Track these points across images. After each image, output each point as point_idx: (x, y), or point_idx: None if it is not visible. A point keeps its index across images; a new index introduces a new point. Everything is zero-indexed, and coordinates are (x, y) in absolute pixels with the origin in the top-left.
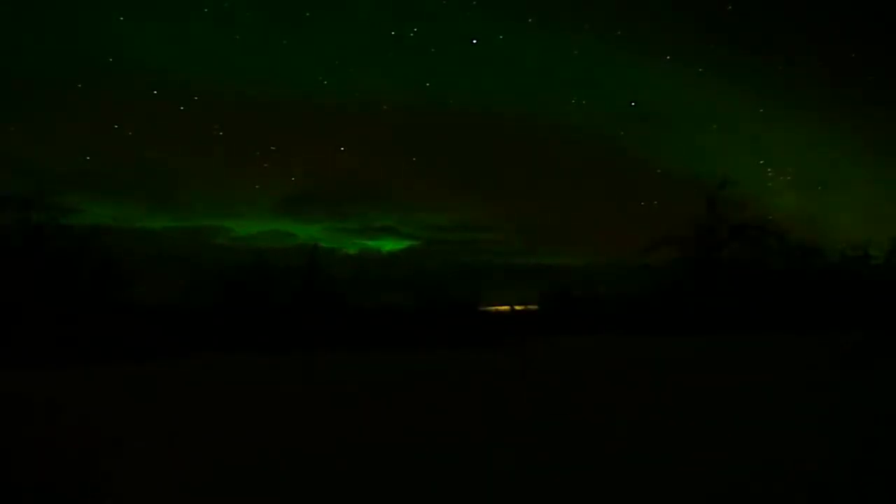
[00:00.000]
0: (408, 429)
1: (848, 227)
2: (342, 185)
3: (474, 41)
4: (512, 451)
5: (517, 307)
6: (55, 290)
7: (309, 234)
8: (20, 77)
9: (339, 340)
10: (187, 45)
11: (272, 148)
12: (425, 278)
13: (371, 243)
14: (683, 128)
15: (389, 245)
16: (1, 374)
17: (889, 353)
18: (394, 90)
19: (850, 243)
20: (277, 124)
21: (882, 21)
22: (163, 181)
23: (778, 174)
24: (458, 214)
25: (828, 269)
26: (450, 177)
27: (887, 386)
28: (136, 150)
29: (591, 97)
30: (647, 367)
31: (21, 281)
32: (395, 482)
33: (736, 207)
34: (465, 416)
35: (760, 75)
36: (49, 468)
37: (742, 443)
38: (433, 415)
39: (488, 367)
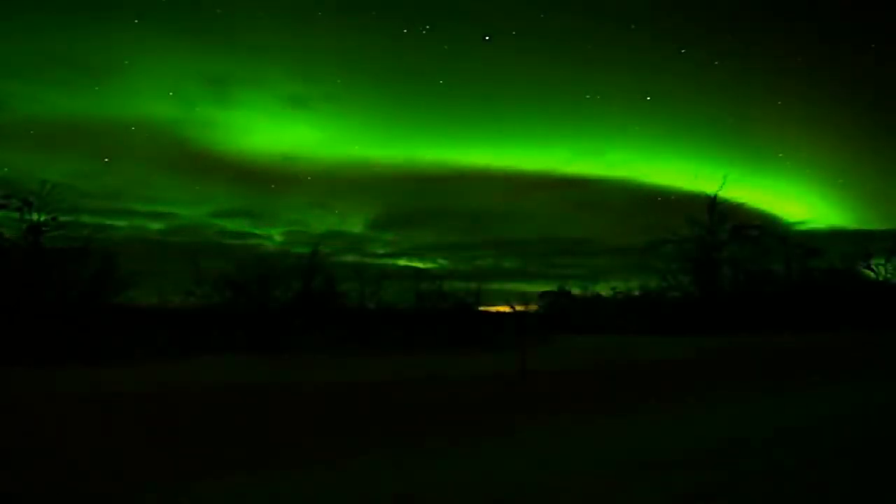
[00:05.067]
0: (406, 429)
1: (858, 225)
2: None
3: (486, 38)
4: (511, 451)
5: (517, 307)
6: (49, 289)
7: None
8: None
9: (336, 341)
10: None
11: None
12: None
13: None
14: (696, 121)
15: None
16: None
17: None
18: (404, 89)
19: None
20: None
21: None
22: None
23: (795, 168)
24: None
25: (831, 269)
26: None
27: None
28: None
29: (604, 92)
30: (647, 366)
31: (19, 280)
32: (395, 482)
33: (737, 207)
34: (464, 416)
35: (778, 68)
36: (40, 468)
37: (738, 442)
38: (432, 415)
39: (488, 368)
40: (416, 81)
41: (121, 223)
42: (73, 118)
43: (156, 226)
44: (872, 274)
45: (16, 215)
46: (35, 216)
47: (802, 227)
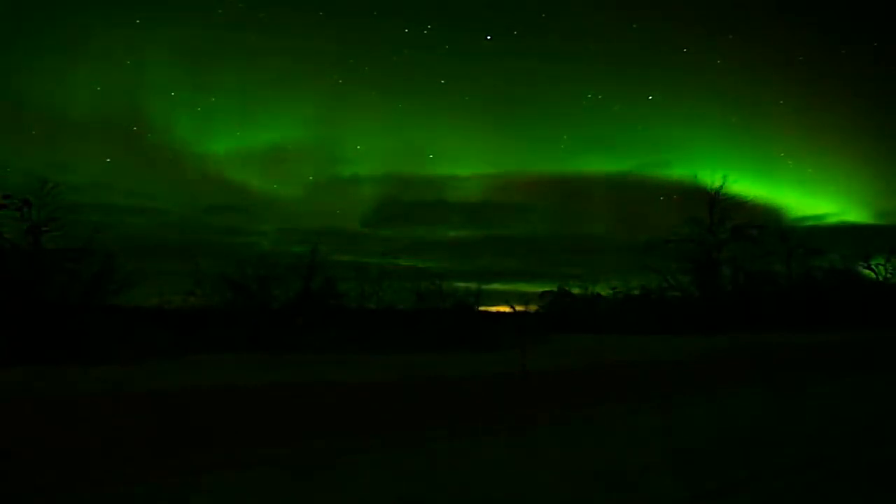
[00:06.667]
0: (407, 429)
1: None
2: None
3: (487, 38)
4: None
5: (517, 307)
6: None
7: None
8: None
9: (336, 340)
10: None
11: None
12: None
13: None
14: (698, 120)
15: None
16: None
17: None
18: (404, 89)
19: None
20: None
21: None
22: None
23: (796, 167)
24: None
25: (831, 269)
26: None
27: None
28: None
29: (605, 91)
30: (648, 365)
31: (19, 281)
32: (395, 483)
33: (738, 206)
34: (465, 416)
35: (780, 67)
36: (43, 469)
37: (736, 441)
38: (433, 415)
39: (488, 368)
40: (417, 81)
41: (114, 221)
42: (74, 118)
43: (148, 223)
44: (872, 274)
45: (16, 215)
46: (35, 216)
47: (804, 225)
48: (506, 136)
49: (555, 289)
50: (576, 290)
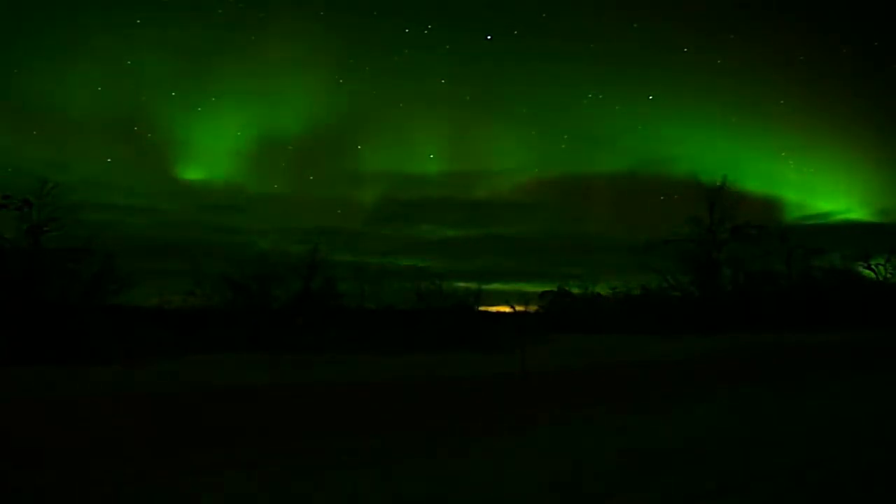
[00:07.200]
0: (407, 429)
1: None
2: None
3: (488, 37)
4: (513, 451)
5: (517, 307)
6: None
7: None
8: None
9: (336, 340)
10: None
11: None
12: None
13: None
14: (698, 120)
15: None
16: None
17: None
18: (405, 89)
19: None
20: None
21: None
22: None
23: (797, 167)
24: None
25: (831, 269)
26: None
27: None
28: None
29: (606, 91)
30: (648, 366)
31: (19, 281)
32: (395, 483)
33: (738, 206)
34: (465, 416)
35: (781, 66)
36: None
37: (736, 440)
38: (433, 416)
39: (488, 368)
40: (417, 81)
41: (114, 221)
42: (74, 118)
43: (148, 223)
44: (872, 274)
45: (16, 215)
46: (35, 216)
47: (805, 224)
48: (506, 136)
49: (555, 289)
50: (576, 290)
